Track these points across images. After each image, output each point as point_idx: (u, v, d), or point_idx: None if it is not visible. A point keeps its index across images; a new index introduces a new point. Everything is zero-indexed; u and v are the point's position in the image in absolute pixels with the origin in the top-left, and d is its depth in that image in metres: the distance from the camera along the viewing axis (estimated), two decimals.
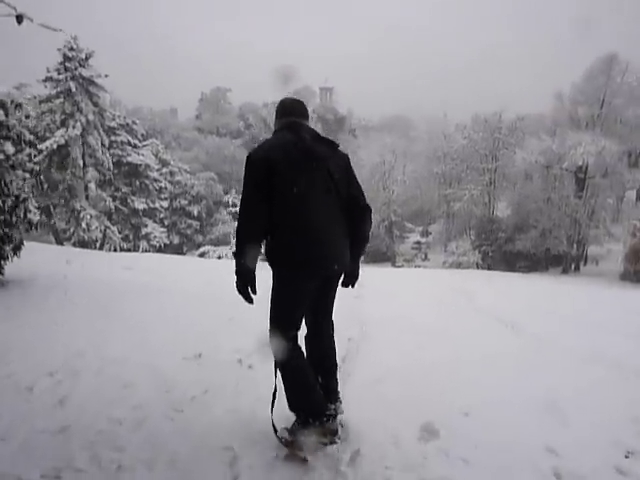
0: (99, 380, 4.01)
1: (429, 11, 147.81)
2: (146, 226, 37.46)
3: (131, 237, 37.33)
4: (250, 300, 2.46)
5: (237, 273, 2.43)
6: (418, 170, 46.18)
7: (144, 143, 40.52)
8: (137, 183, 36.80)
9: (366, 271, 12.69)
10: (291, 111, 2.86)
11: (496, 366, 5.16)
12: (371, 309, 8.85)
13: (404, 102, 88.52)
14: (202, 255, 35.10)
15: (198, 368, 4.42)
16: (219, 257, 34.25)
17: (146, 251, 34.80)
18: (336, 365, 2.93)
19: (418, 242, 52.87)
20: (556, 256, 32.28)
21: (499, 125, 37.64)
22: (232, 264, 2.53)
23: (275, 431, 2.65)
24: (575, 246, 31.32)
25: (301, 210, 2.43)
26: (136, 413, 3.31)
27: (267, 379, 2.83)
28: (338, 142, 2.81)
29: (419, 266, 38.98)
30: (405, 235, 51.23)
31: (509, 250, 33.87)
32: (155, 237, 37.31)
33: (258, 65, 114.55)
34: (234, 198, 42.13)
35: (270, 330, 2.60)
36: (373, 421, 3.12)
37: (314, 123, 71.07)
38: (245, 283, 2.43)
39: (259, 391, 3.36)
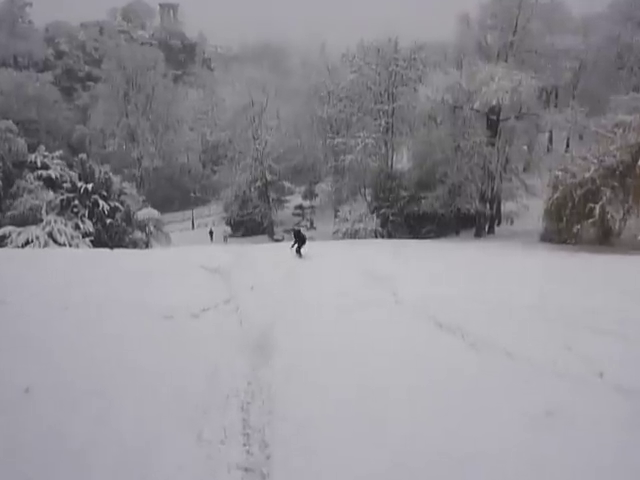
0: None
1: None
2: None
3: None
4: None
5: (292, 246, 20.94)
6: (296, 113, 45.11)
7: None
8: None
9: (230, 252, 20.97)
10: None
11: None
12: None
13: (270, 26, 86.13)
14: (1, 240, 30.53)
15: None
16: (26, 242, 30.02)
17: None
18: (301, 254, 20.54)
19: (301, 207, 52.30)
20: (467, 216, 33.50)
21: (395, 55, 37.65)
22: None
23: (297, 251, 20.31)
24: (488, 204, 32.58)
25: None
26: None
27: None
28: None
29: None
30: (284, 199, 50.35)
31: (413, 212, 34.46)
32: None
33: None
34: (44, 157, 37.28)
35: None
36: None
37: (154, 49, 66.43)
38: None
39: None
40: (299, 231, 22.04)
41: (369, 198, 37.92)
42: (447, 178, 32.31)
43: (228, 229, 47.95)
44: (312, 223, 46.90)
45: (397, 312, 10.43)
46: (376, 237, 33.87)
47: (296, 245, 20.80)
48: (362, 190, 39.56)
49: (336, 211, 40.04)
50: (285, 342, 8.26)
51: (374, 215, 34.99)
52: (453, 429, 5.17)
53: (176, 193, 59.47)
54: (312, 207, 50.17)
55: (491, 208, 33.08)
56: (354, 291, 12.41)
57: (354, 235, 34.07)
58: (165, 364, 6.94)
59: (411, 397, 5.95)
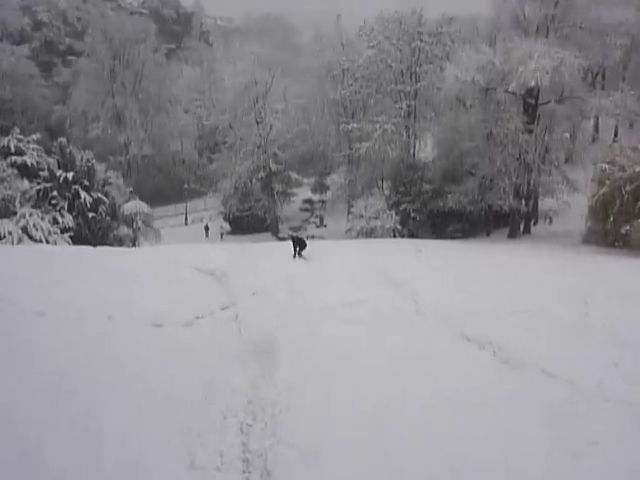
0: None
1: None
2: None
3: None
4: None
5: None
6: (306, 95, 45.06)
7: None
8: None
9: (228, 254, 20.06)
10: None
11: None
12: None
13: None
14: None
15: None
16: None
17: None
18: (304, 258, 21.76)
19: (310, 201, 52.37)
20: (499, 214, 33.41)
21: (419, 29, 37.59)
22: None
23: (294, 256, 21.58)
24: (524, 200, 32.40)
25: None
26: None
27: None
28: None
29: (313, 236, 38.27)
30: (290, 192, 50.33)
31: (437, 209, 34.39)
32: None
33: None
34: (18, 141, 37.51)
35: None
36: None
37: (145, 19, 66.64)
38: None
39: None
40: (297, 237, 24.35)
41: (387, 192, 37.85)
42: (477, 170, 32.27)
43: (226, 225, 48.02)
44: (322, 220, 46.88)
45: (418, 322, 10.35)
46: (395, 236, 33.85)
47: (297, 250, 22.72)
48: (379, 183, 39.52)
49: (350, 206, 40.01)
50: (290, 355, 8.26)
51: (393, 211, 34.81)
52: (482, 458, 5.14)
53: (168, 184, 59.65)
54: (322, 202, 50.13)
55: (527, 205, 32.82)
56: (369, 298, 12.37)
57: (370, 234, 33.97)
58: (154, 381, 6.92)
59: (432, 421, 5.90)
